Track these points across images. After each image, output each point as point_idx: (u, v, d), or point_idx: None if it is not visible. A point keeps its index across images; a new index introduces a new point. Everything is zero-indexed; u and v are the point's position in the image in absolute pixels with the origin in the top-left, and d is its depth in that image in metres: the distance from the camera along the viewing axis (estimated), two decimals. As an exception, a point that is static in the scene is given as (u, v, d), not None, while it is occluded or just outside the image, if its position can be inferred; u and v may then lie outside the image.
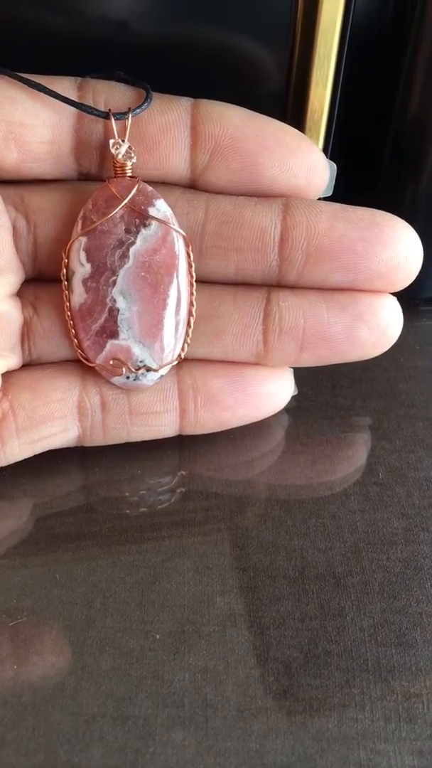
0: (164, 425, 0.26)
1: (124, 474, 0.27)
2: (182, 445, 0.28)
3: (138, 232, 0.24)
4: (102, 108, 0.24)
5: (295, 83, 0.28)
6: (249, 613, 0.23)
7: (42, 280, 0.26)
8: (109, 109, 0.24)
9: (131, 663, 0.21)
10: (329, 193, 0.26)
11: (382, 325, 0.25)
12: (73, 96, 0.24)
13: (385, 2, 0.29)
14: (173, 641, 0.22)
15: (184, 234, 0.25)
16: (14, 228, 0.25)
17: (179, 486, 0.26)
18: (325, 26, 0.26)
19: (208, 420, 0.27)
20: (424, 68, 0.28)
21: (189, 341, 0.26)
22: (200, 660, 0.21)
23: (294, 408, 0.29)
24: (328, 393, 0.30)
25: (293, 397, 0.28)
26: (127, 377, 0.25)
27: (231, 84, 0.28)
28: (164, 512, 0.25)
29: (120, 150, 0.24)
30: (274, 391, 0.27)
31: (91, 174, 0.25)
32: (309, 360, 0.26)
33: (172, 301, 0.25)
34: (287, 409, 0.28)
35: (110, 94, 0.24)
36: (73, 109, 0.24)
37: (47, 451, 0.26)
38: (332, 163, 0.26)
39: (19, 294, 0.26)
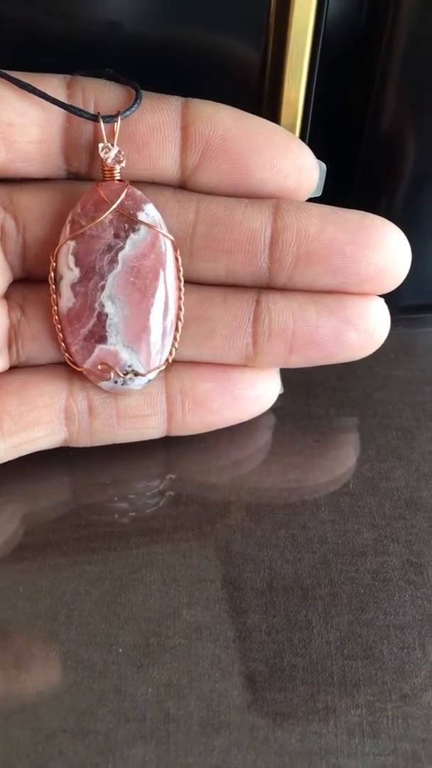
0: (151, 428, 0.27)
1: (90, 485, 0.26)
2: (153, 452, 0.27)
3: (127, 237, 0.24)
4: (92, 108, 0.24)
5: (268, 92, 0.28)
6: (215, 626, 0.22)
7: (30, 280, 0.26)
8: (98, 112, 0.24)
9: (94, 677, 0.21)
10: (319, 194, 0.26)
11: (370, 328, 0.26)
12: (62, 95, 0.24)
13: (359, 11, 0.29)
14: (137, 655, 0.22)
15: (172, 239, 0.25)
16: (3, 229, 0.25)
17: (147, 497, 0.26)
18: (296, 34, 0.26)
19: (195, 423, 0.27)
20: (395, 81, 0.28)
21: (177, 345, 0.26)
22: (164, 674, 0.21)
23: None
24: (302, 402, 0.30)
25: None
26: (115, 382, 0.25)
27: (204, 91, 0.28)
28: (132, 522, 0.25)
29: (109, 154, 0.24)
30: (261, 393, 0.27)
31: (81, 173, 0.25)
32: (297, 362, 0.26)
33: (160, 306, 0.25)
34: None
35: (100, 93, 0.24)
36: None
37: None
38: (322, 163, 0.26)
39: (7, 296, 0.26)
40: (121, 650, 0.22)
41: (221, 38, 0.27)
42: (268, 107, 0.28)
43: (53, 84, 0.24)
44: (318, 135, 0.29)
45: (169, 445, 0.27)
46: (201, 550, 0.24)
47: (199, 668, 0.21)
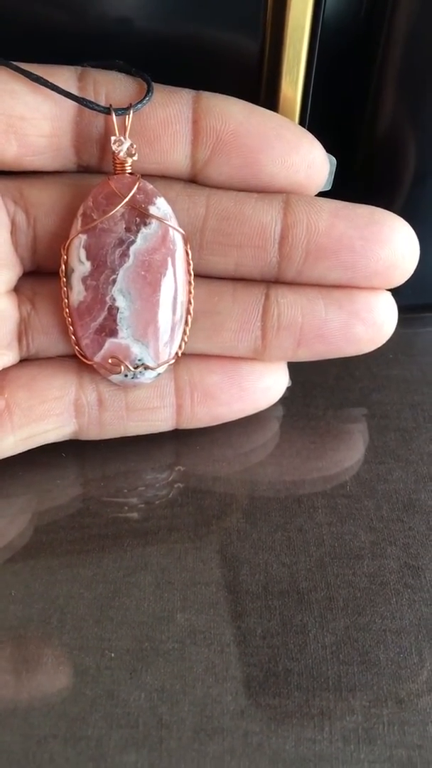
0: (160, 420, 0.27)
1: (84, 487, 0.26)
2: (147, 454, 0.27)
3: (138, 230, 0.24)
4: (103, 101, 0.24)
5: (266, 89, 0.28)
6: (209, 630, 0.22)
7: (40, 273, 0.26)
8: (110, 105, 0.24)
9: (86, 682, 0.21)
10: (328, 188, 0.26)
11: (378, 322, 0.26)
12: (73, 87, 0.24)
13: (358, 6, 0.28)
14: (130, 659, 0.21)
15: (183, 232, 0.25)
16: (13, 222, 0.25)
17: (141, 498, 0.26)
18: (293, 29, 0.26)
19: (204, 415, 0.27)
20: (394, 77, 0.28)
21: (186, 339, 0.26)
22: (157, 679, 0.21)
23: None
24: (299, 402, 0.30)
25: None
26: (125, 375, 0.25)
27: (200, 87, 0.28)
28: (126, 524, 0.25)
29: (121, 147, 0.24)
30: (269, 386, 0.27)
31: (91, 166, 0.25)
32: (305, 355, 0.26)
33: (170, 300, 0.25)
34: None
35: (111, 85, 0.24)
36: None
37: None
38: (332, 157, 0.26)
39: (17, 289, 0.26)
40: (113, 655, 0.21)
41: (218, 33, 0.26)
42: (266, 104, 0.28)
43: (65, 76, 0.24)
44: (316, 131, 0.28)
45: (162, 446, 0.27)
46: (196, 552, 0.24)
47: (193, 673, 0.21)
